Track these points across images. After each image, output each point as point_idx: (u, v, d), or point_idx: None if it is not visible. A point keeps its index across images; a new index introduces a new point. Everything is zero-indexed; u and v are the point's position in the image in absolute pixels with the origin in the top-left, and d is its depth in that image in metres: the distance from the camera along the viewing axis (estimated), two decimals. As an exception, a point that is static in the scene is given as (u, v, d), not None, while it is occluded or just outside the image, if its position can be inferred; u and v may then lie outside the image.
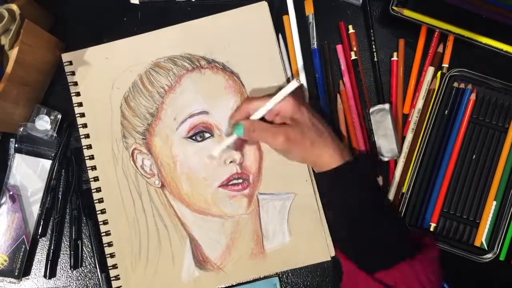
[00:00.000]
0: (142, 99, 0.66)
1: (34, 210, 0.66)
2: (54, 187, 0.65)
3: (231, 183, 0.64)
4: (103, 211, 0.65)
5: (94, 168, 0.65)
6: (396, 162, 0.66)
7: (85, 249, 0.66)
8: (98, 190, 0.65)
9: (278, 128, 0.58)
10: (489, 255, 0.64)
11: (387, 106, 0.64)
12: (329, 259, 0.64)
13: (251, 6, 0.67)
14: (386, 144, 0.64)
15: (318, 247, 0.64)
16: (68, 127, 0.67)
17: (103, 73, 0.66)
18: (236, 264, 0.64)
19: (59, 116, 0.66)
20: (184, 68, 0.66)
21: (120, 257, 0.64)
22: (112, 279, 0.64)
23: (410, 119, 0.66)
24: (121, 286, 0.64)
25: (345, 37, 0.67)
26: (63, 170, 0.65)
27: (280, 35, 0.67)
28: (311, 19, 0.67)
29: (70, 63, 0.67)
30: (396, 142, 0.64)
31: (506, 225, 0.64)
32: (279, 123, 0.60)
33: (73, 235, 0.65)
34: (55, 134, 0.65)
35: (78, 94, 0.66)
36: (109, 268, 0.64)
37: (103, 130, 0.65)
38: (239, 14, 0.67)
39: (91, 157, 0.65)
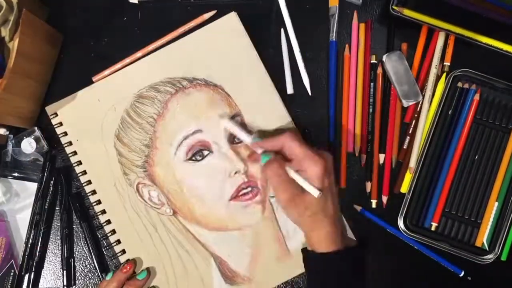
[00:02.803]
0: (134, 133, 0.65)
1: (23, 232, 0.66)
2: (40, 211, 0.65)
3: (241, 193, 0.64)
4: (123, 252, 0.64)
5: (103, 212, 0.65)
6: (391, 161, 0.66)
7: (85, 249, 0.66)
8: (113, 232, 0.65)
9: (289, 186, 0.55)
10: (490, 256, 0.64)
11: (398, 52, 0.65)
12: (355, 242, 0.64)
13: (221, 20, 0.66)
14: (409, 89, 0.64)
15: (340, 234, 0.64)
16: (49, 152, 0.66)
17: (90, 117, 0.66)
18: (265, 271, 0.64)
19: (38, 133, 0.66)
20: (167, 93, 0.66)
21: (150, 293, 0.64)
22: (147, 316, 0.64)
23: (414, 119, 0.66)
24: (157, 320, 0.64)
25: (368, 38, 0.67)
26: (50, 190, 0.66)
27: (282, 30, 0.68)
28: (334, 11, 0.67)
29: (56, 114, 0.66)
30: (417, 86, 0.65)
31: (508, 225, 0.64)
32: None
33: (65, 254, 0.65)
34: (40, 158, 0.65)
35: (70, 143, 0.66)
36: (143, 307, 0.64)
37: (103, 173, 0.65)
38: (209, 30, 0.66)
39: (98, 202, 0.65)
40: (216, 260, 0.64)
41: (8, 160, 0.66)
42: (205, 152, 0.64)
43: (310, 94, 0.67)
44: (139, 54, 0.67)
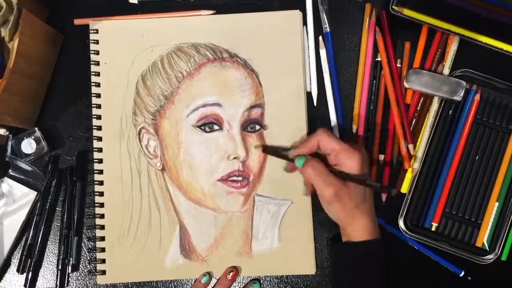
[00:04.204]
0: (159, 80, 0.66)
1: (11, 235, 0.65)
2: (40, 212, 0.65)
3: (230, 179, 0.64)
4: (101, 183, 0.65)
5: (99, 139, 0.65)
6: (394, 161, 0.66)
7: (84, 249, 0.66)
8: (100, 161, 0.65)
9: (333, 180, 0.56)
10: (491, 256, 0.64)
11: (410, 71, 0.65)
12: (313, 273, 0.64)
13: (283, 12, 0.67)
14: (448, 86, 0.63)
15: (305, 259, 0.64)
16: (53, 162, 0.66)
17: (127, 47, 0.66)
18: (221, 259, 0.64)
19: (38, 134, 0.65)
20: (205, 57, 0.66)
21: (109, 230, 0.65)
22: (97, 250, 0.64)
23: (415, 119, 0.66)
24: (105, 259, 0.64)
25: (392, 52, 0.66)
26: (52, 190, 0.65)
27: (304, 27, 0.67)
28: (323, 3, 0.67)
29: (96, 31, 0.67)
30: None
31: (508, 226, 0.64)
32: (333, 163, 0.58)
33: (61, 254, 0.65)
34: (38, 170, 0.65)
35: (97, 63, 0.66)
36: (97, 239, 0.64)
37: (116, 102, 0.66)
38: (270, 17, 0.67)
39: (99, 128, 0.66)
40: (181, 229, 0.65)
41: (8, 161, 0.65)
42: (215, 127, 0.65)
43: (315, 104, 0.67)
44: (203, 12, 0.67)
